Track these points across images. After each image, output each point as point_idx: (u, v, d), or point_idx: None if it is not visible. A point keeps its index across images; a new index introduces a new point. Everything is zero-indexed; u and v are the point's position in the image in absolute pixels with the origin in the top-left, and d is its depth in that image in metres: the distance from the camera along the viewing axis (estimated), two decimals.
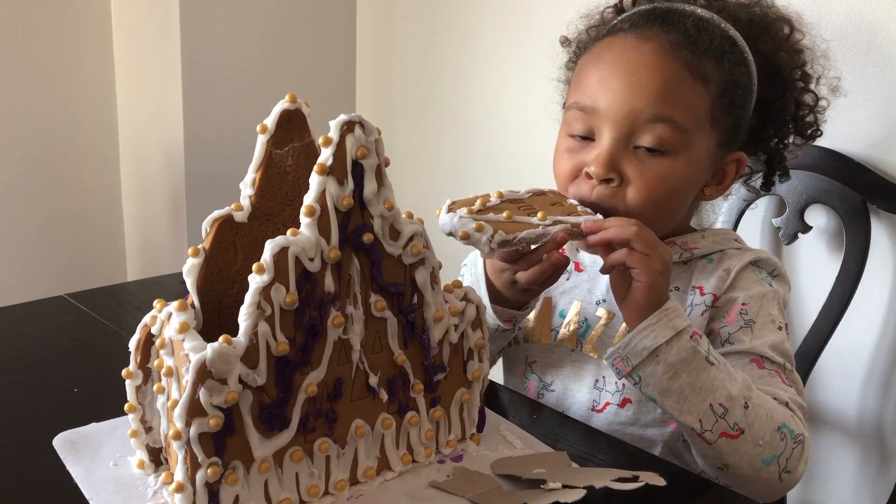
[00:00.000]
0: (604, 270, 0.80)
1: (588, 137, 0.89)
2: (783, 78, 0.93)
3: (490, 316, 0.92)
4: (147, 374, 0.67)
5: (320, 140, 0.62)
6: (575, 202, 0.87)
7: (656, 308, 0.77)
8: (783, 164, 0.98)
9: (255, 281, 0.59)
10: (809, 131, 0.97)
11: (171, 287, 1.20)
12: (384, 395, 0.68)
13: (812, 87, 0.96)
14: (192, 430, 0.57)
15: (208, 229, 0.67)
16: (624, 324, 0.90)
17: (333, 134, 0.61)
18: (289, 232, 0.61)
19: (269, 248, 0.59)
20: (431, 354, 0.70)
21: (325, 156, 0.61)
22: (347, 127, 0.62)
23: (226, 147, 1.89)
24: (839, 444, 1.28)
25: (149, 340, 0.66)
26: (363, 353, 0.66)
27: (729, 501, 0.72)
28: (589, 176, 0.87)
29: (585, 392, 0.94)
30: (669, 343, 0.76)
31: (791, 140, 0.98)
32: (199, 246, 0.67)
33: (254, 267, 0.59)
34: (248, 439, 0.60)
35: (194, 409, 0.57)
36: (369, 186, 0.63)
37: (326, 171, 0.61)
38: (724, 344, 0.88)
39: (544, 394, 0.97)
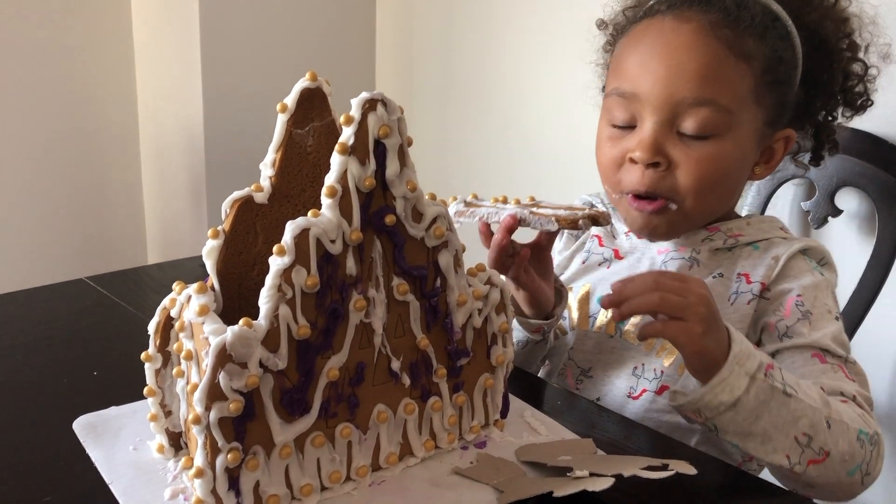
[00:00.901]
0: (642, 339, 0.78)
1: (630, 125, 0.87)
2: (829, 48, 0.90)
3: (518, 329, 0.92)
4: (166, 357, 0.67)
5: (342, 119, 0.61)
6: (584, 206, 0.86)
7: (721, 359, 0.72)
8: (832, 138, 0.96)
9: (276, 263, 0.58)
10: (859, 102, 0.94)
11: (190, 270, 1.20)
12: (406, 380, 0.67)
13: (861, 55, 0.93)
14: (212, 415, 0.56)
15: (228, 211, 0.67)
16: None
17: (355, 112, 0.60)
18: (310, 213, 0.60)
19: (290, 229, 0.58)
20: (455, 339, 0.69)
21: (347, 135, 0.60)
22: (369, 105, 0.60)
23: (245, 127, 1.89)
24: None
25: (168, 323, 0.66)
26: (385, 338, 0.65)
27: (763, 492, 0.70)
28: (634, 161, 0.86)
29: (624, 379, 0.92)
30: (747, 390, 0.72)
31: (840, 112, 0.95)
32: (219, 228, 0.66)
33: (274, 249, 0.58)
34: (268, 424, 0.59)
35: (214, 394, 0.56)
36: (392, 167, 0.62)
37: (348, 151, 0.60)
38: (783, 338, 0.86)
39: (582, 380, 0.96)
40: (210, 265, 0.66)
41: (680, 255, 0.93)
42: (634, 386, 0.91)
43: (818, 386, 0.79)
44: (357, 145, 0.60)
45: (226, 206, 0.67)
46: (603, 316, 0.95)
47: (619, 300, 0.74)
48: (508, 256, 0.86)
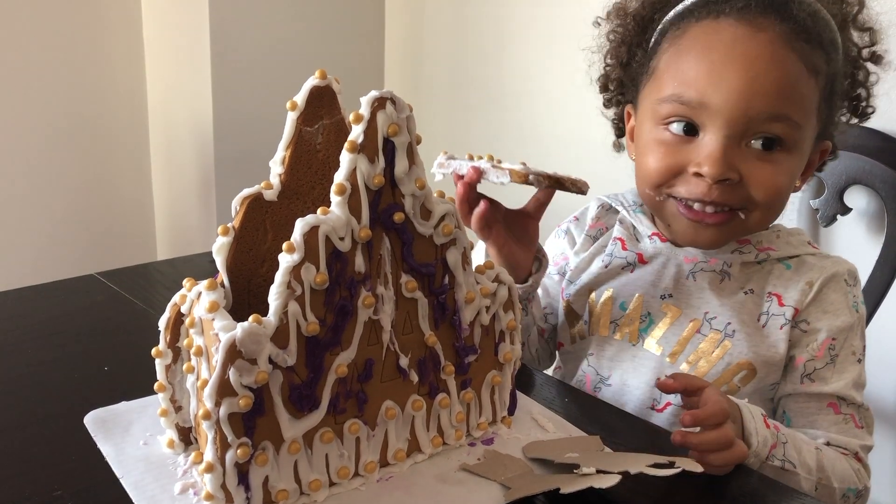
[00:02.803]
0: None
1: (689, 133, 0.84)
2: (850, 58, 0.89)
3: None
4: (177, 353, 0.67)
5: (351, 117, 0.61)
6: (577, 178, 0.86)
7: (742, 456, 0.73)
8: (834, 144, 0.94)
9: (285, 260, 0.59)
10: (860, 110, 0.93)
11: (200, 266, 1.20)
12: (414, 377, 0.67)
13: (876, 63, 0.91)
14: (222, 410, 0.57)
15: (238, 208, 0.67)
16: (690, 322, 0.90)
17: (364, 110, 0.60)
18: (319, 211, 0.60)
19: (300, 226, 0.59)
20: (462, 336, 0.69)
21: (356, 133, 0.60)
22: (378, 103, 0.60)
23: (255, 124, 1.90)
24: (877, 431, 1.25)
25: (178, 319, 0.66)
26: (394, 334, 0.65)
27: (768, 490, 0.70)
28: (698, 174, 0.83)
29: (645, 389, 0.91)
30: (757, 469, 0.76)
31: (841, 119, 0.93)
32: (229, 224, 0.66)
33: (284, 246, 0.59)
34: (277, 420, 0.60)
35: (224, 389, 0.57)
36: (400, 165, 0.62)
37: (357, 149, 0.60)
38: (804, 379, 0.87)
39: (601, 388, 0.94)
40: (220, 262, 0.66)
41: (711, 266, 0.91)
42: (658, 398, 0.90)
43: (824, 440, 0.84)
44: (366, 143, 0.60)
45: (236, 203, 0.67)
46: (625, 322, 0.93)
47: (687, 443, 0.70)
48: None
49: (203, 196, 1.97)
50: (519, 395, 0.78)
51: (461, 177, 0.85)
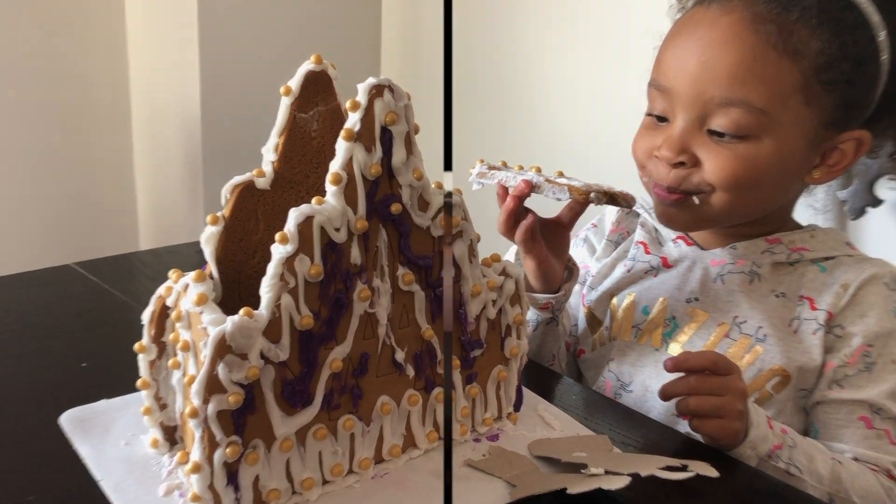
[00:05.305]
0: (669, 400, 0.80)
1: (665, 117, 0.88)
2: None
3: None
4: (161, 348, 0.68)
5: (347, 104, 0.62)
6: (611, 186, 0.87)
7: (737, 441, 0.76)
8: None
9: (279, 251, 0.59)
10: None
11: (186, 256, 1.20)
12: (410, 371, 0.68)
13: None
14: (211, 408, 0.57)
15: (228, 196, 0.67)
16: (718, 326, 0.90)
17: (361, 98, 0.61)
18: (314, 200, 0.61)
19: (294, 216, 0.59)
20: (468, 330, 0.70)
21: (353, 121, 0.61)
22: (376, 91, 0.61)
23: (245, 109, 1.89)
24: None
25: (164, 313, 0.67)
26: (390, 328, 0.66)
27: (786, 496, 0.71)
28: (658, 157, 0.87)
29: None
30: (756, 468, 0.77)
31: None
32: (219, 213, 0.67)
33: (277, 236, 0.59)
34: (269, 417, 0.60)
35: (213, 386, 0.57)
36: (398, 154, 0.63)
37: (354, 137, 0.61)
38: (833, 385, 0.86)
39: (622, 394, 0.94)
40: (209, 252, 0.67)
41: (739, 268, 0.92)
42: None
43: (851, 455, 0.83)
44: (363, 132, 0.61)
45: (226, 192, 0.68)
46: (648, 327, 0.94)
47: (662, 398, 0.79)
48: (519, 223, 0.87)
49: (189, 183, 1.97)
50: (525, 391, 0.78)
51: (505, 189, 0.86)
